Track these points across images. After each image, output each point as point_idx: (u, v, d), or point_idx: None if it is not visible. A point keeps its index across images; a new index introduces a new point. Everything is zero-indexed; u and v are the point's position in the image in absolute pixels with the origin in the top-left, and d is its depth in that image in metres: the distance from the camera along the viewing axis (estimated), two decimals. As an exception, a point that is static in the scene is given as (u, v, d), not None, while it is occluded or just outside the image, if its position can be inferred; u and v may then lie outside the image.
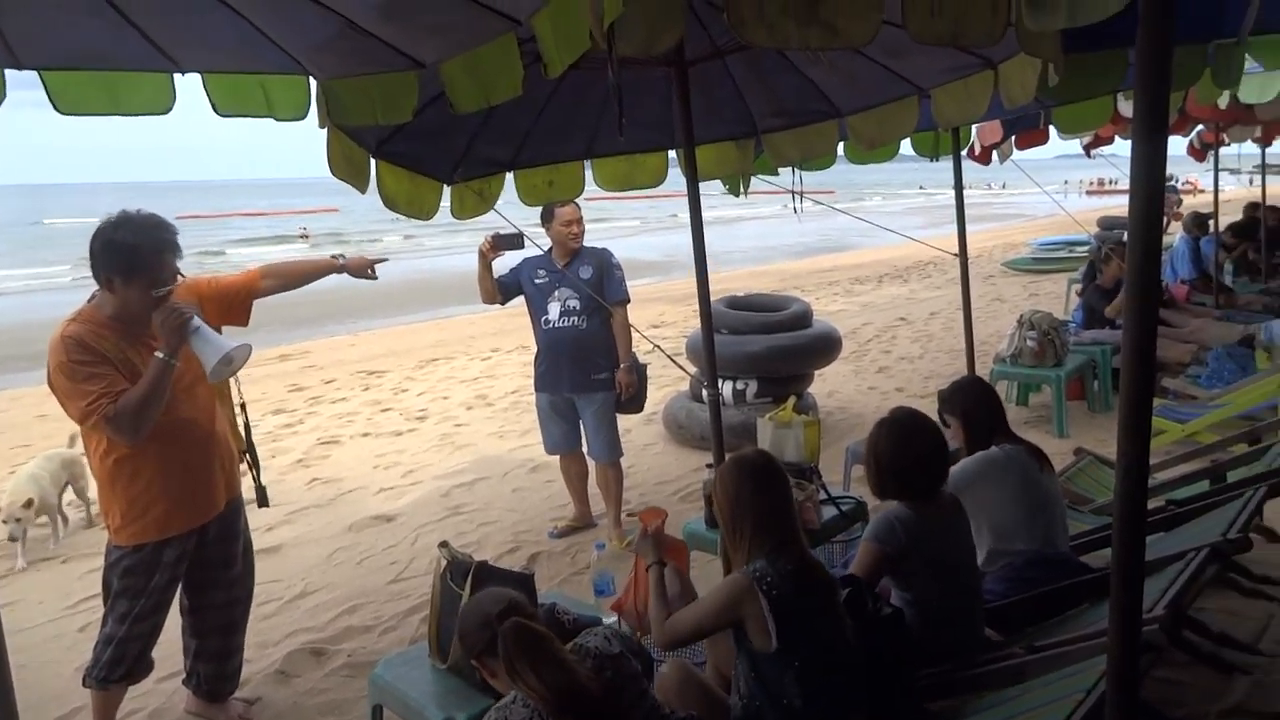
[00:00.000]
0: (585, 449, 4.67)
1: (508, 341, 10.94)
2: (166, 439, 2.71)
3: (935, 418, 2.76)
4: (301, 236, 37.46)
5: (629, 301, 4.50)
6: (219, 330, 2.80)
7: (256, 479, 3.29)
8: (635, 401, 4.56)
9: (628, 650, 1.99)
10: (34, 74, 2.43)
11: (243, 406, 3.17)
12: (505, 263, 4.48)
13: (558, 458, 4.79)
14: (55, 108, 2.52)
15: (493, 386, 8.64)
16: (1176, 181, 16.18)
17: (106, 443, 2.70)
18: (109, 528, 2.80)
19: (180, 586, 2.96)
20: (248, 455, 3.24)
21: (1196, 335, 6.71)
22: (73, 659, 3.53)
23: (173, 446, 2.75)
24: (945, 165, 4.88)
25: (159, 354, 2.57)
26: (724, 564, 3.11)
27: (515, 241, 4.12)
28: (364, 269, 3.28)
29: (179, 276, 2.76)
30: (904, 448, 2.50)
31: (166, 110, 2.68)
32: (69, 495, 5.32)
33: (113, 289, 2.65)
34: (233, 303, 3.06)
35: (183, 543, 2.83)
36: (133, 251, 2.61)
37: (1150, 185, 1.22)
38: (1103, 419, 6.08)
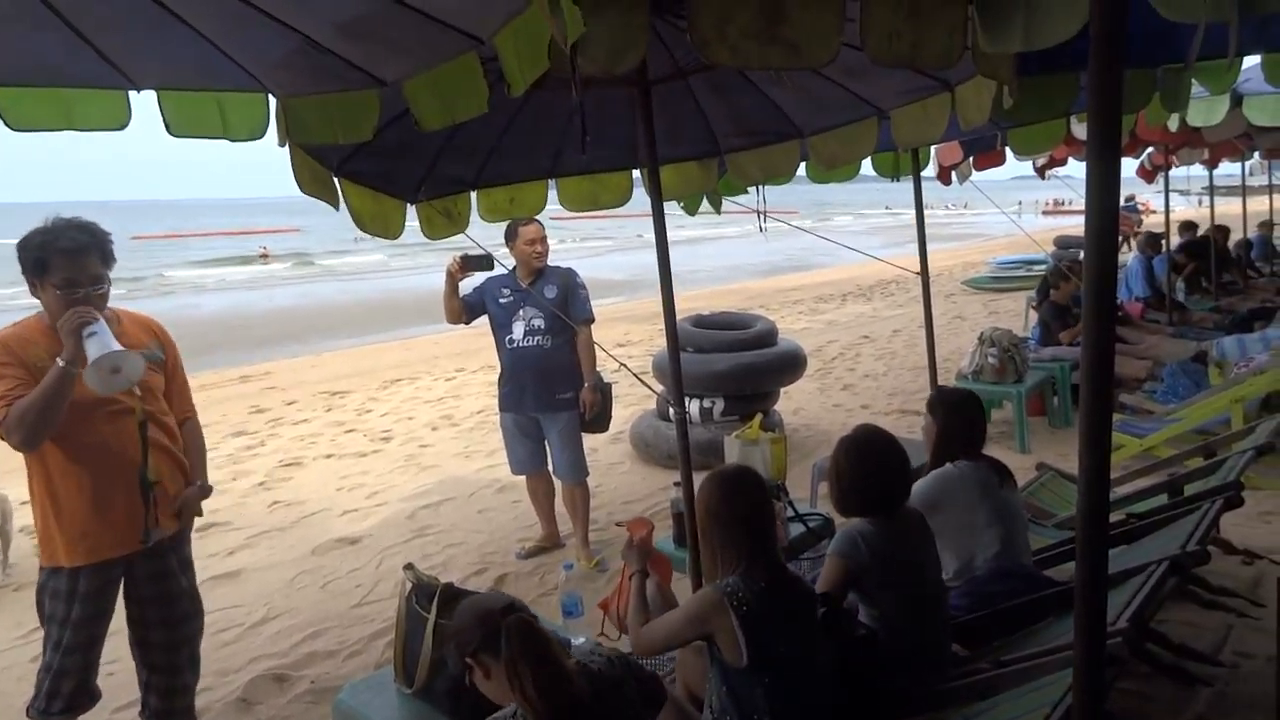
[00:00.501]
0: (551, 469, 4.64)
1: (473, 362, 10.87)
2: (83, 463, 2.60)
3: (900, 432, 2.78)
4: (262, 257, 36.99)
5: (594, 321, 4.50)
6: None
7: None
8: (600, 421, 4.55)
9: (634, 676, 1.96)
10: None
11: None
12: (470, 282, 4.46)
13: (524, 478, 4.76)
14: (5, 124, 2.46)
15: (458, 407, 8.57)
16: (1135, 202, 16.61)
17: (32, 459, 2.61)
18: (39, 546, 2.71)
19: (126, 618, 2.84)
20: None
21: (1152, 352, 6.87)
22: (24, 690, 3.41)
23: (88, 472, 2.61)
24: (910, 185, 4.95)
25: (59, 360, 2.44)
26: (693, 581, 3.10)
27: (484, 263, 4.12)
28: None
29: (103, 282, 2.61)
30: (865, 465, 2.52)
31: (122, 126, 2.63)
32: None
33: (35, 293, 2.58)
34: (170, 392, 2.90)
35: (101, 574, 2.66)
36: (40, 249, 2.53)
37: (1105, 206, 1.25)
38: (1063, 434, 6.18)
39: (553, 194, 4.02)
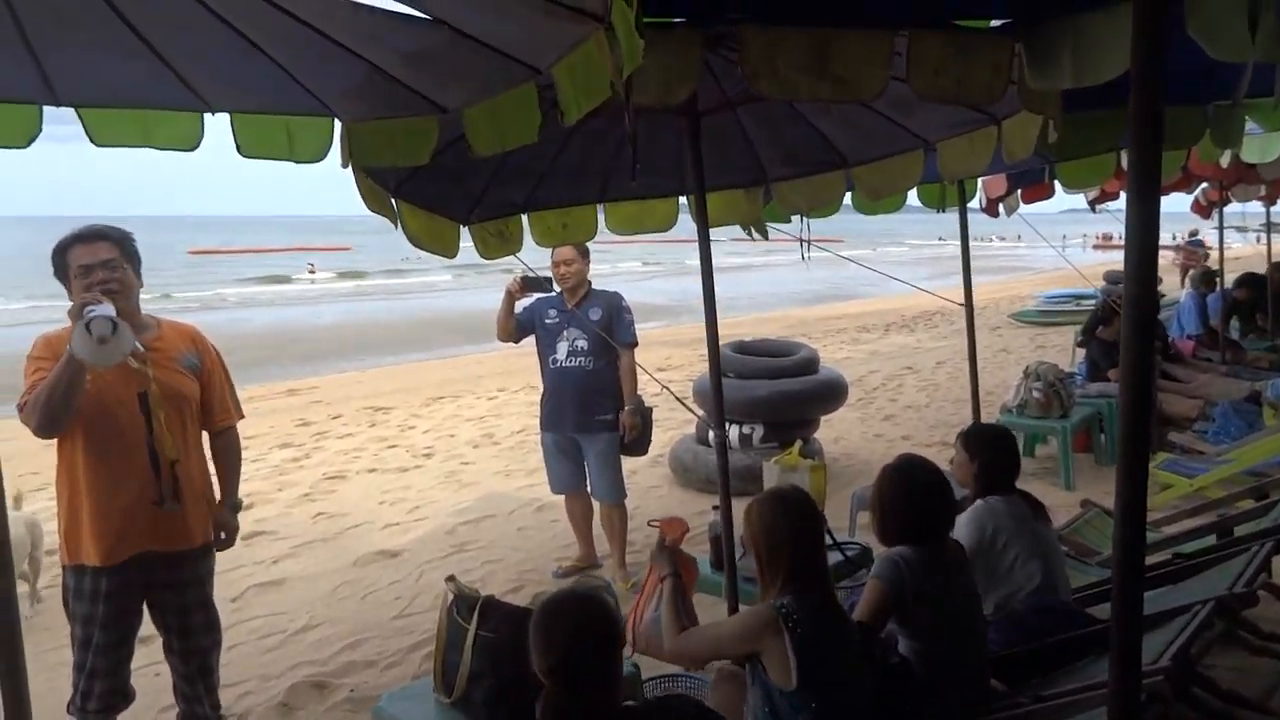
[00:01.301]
0: (590, 489, 4.69)
1: (514, 381, 10.99)
2: (100, 460, 2.65)
3: (943, 464, 2.78)
4: (309, 273, 37.83)
5: (637, 345, 4.55)
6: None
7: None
8: (640, 444, 4.59)
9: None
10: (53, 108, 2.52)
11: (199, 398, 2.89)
12: (522, 301, 4.57)
13: (563, 497, 4.81)
14: (91, 140, 2.61)
15: (499, 425, 8.67)
16: (1199, 237, 16.27)
17: (57, 456, 2.69)
18: (59, 545, 2.75)
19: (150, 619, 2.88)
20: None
21: (1203, 390, 6.72)
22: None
23: (102, 472, 2.65)
24: (976, 217, 4.95)
25: (69, 346, 2.45)
26: (729, 605, 3.12)
27: (543, 285, 4.29)
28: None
29: (118, 267, 2.66)
30: (911, 494, 2.52)
31: (194, 147, 2.76)
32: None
33: (71, 297, 2.65)
34: (209, 399, 2.95)
35: (123, 574, 2.69)
36: (59, 251, 2.66)
37: (1144, 242, 1.27)
38: (1109, 472, 6.03)
39: (600, 217, 4.11)
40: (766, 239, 4.74)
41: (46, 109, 2.53)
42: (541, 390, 4.69)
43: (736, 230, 4.61)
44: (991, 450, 3.01)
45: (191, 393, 2.86)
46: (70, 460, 2.67)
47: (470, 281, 31.09)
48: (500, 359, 12.51)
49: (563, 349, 4.50)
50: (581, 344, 4.47)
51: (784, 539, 2.17)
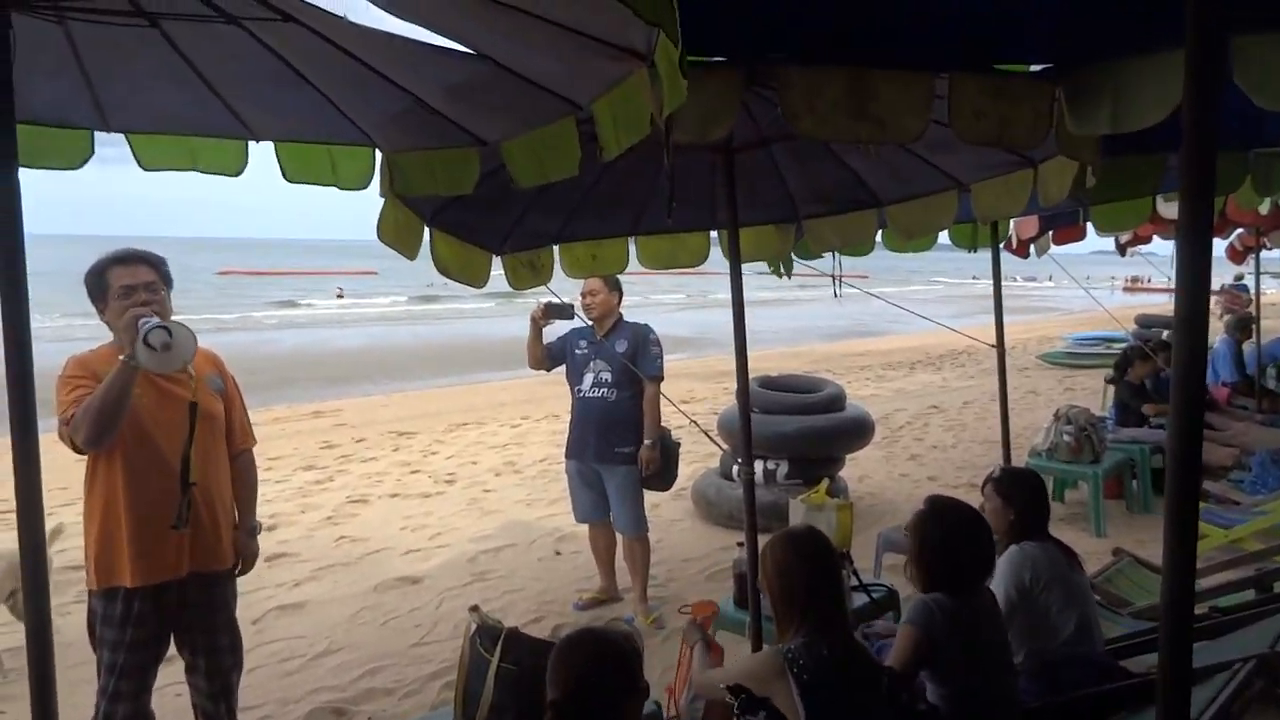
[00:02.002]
0: (612, 521, 4.66)
1: (538, 410, 11.01)
2: (138, 481, 2.66)
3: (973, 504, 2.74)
4: (337, 296, 38.29)
5: (662, 379, 4.54)
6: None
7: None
8: (663, 478, 4.56)
9: None
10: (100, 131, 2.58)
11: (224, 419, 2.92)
12: (556, 331, 4.60)
13: (586, 527, 4.79)
14: (139, 164, 2.68)
15: (521, 454, 8.67)
16: (1245, 282, 16.06)
17: (89, 477, 2.70)
18: (86, 570, 2.75)
19: (174, 641, 2.88)
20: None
21: (1239, 439, 6.60)
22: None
23: (143, 491, 2.67)
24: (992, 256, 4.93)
25: (121, 357, 2.50)
26: (753, 645, 3.08)
27: (565, 312, 4.31)
28: None
29: (158, 290, 2.70)
30: (954, 539, 2.48)
31: (238, 172, 2.82)
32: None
33: (103, 315, 2.68)
34: (230, 422, 2.97)
35: (156, 597, 2.71)
36: (98, 272, 2.68)
37: (1195, 289, 1.25)
38: (1142, 520, 5.95)
39: (632, 250, 4.13)
40: (790, 276, 4.75)
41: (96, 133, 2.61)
42: (568, 419, 4.69)
43: (761, 265, 4.63)
44: (1027, 495, 2.96)
45: (219, 414, 2.90)
46: (107, 481, 2.68)
47: (494, 309, 31.33)
48: (523, 387, 12.55)
49: (588, 379, 4.52)
50: (606, 375, 4.48)
51: (798, 580, 2.15)
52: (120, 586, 2.67)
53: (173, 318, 2.77)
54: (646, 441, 4.42)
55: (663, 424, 4.56)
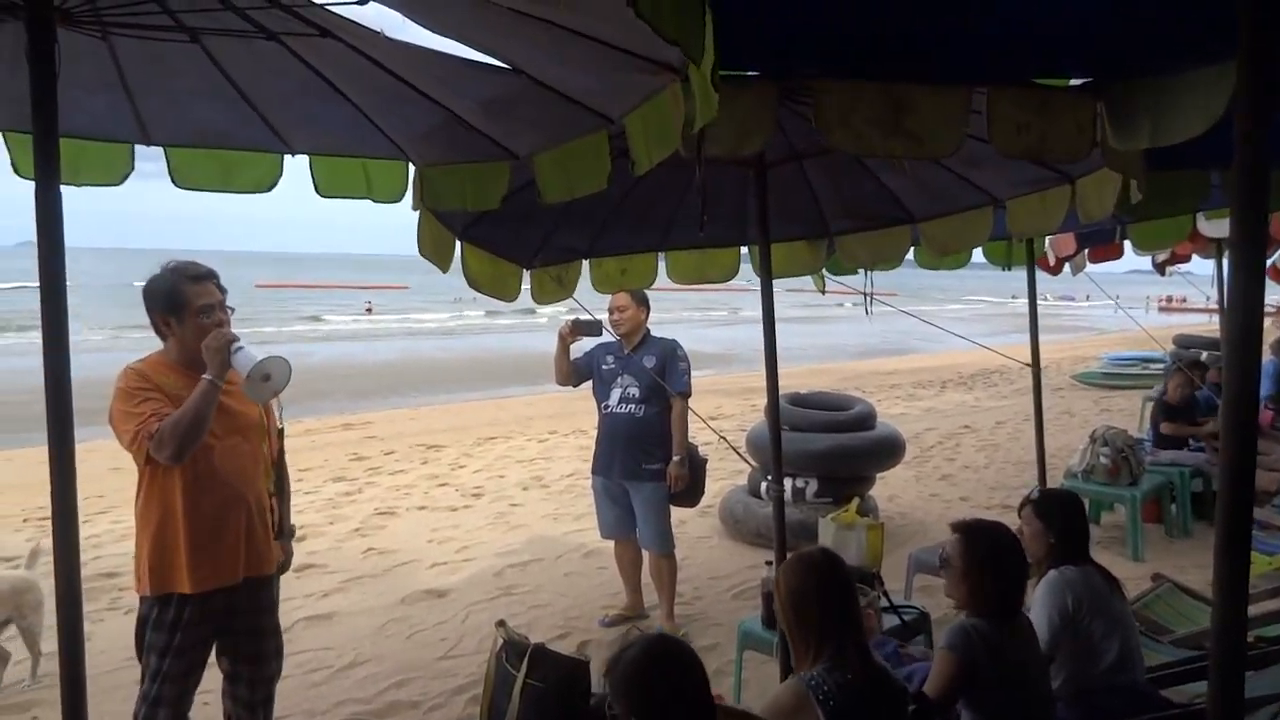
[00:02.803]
0: (638, 537, 4.63)
1: (565, 424, 11.01)
2: (197, 490, 2.70)
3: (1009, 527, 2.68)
4: (367, 311, 38.71)
5: (689, 394, 4.51)
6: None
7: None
8: (690, 495, 4.53)
9: None
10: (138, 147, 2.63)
11: (280, 433, 3.02)
12: (583, 346, 4.60)
13: (612, 544, 4.77)
14: (173, 182, 2.72)
15: (549, 468, 8.67)
16: None
17: (145, 485, 2.73)
18: (137, 576, 2.77)
19: (216, 650, 2.91)
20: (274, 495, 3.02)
21: (1284, 463, 6.43)
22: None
23: (202, 500, 2.71)
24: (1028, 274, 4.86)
25: (205, 376, 2.56)
26: (781, 667, 3.03)
27: (594, 328, 4.31)
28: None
29: (228, 307, 2.77)
30: (1003, 563, 2.43)
31: (270, 188, 2.86)
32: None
33: (169, 330, 2.72)
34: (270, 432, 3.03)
35: (205, 603, 2.74)
36: (172, 286, 2.70)
37: (1248, 310, 1.21)
38: (1182, 545, 5.81)
39: (661, 265, 4.12)
40: (824, 292, 4.71)
41: (137, 148, 2.65)
42: (595, 434, 4.68)
43: (790, 281, 4.60)
44: (1068, 517, 2.89)
45: (261, 422, 2.94)
46: (165, 488, 2.70)
47: (523, 323, 31.50)
48: (551, 401, 12.57)
49: (615, 395, 4.50)
50: (633, 391, 4.46)
51: (811, 603, 2.09)
52: (175, 593, 2.71)
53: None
54: (675, 458, 4.39)
55: (690, 440, 4.52)
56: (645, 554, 4.64)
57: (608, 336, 4.42)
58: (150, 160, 2.70)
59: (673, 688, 1.84)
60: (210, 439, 2.69)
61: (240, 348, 2.57)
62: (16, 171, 2.40)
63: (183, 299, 2.68)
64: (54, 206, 1.65)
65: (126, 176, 2.65)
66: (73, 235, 1.83)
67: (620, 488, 4.56)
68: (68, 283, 1.73)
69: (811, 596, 2.11)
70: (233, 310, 2.80)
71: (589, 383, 4.66)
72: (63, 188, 1.71)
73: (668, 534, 4.55)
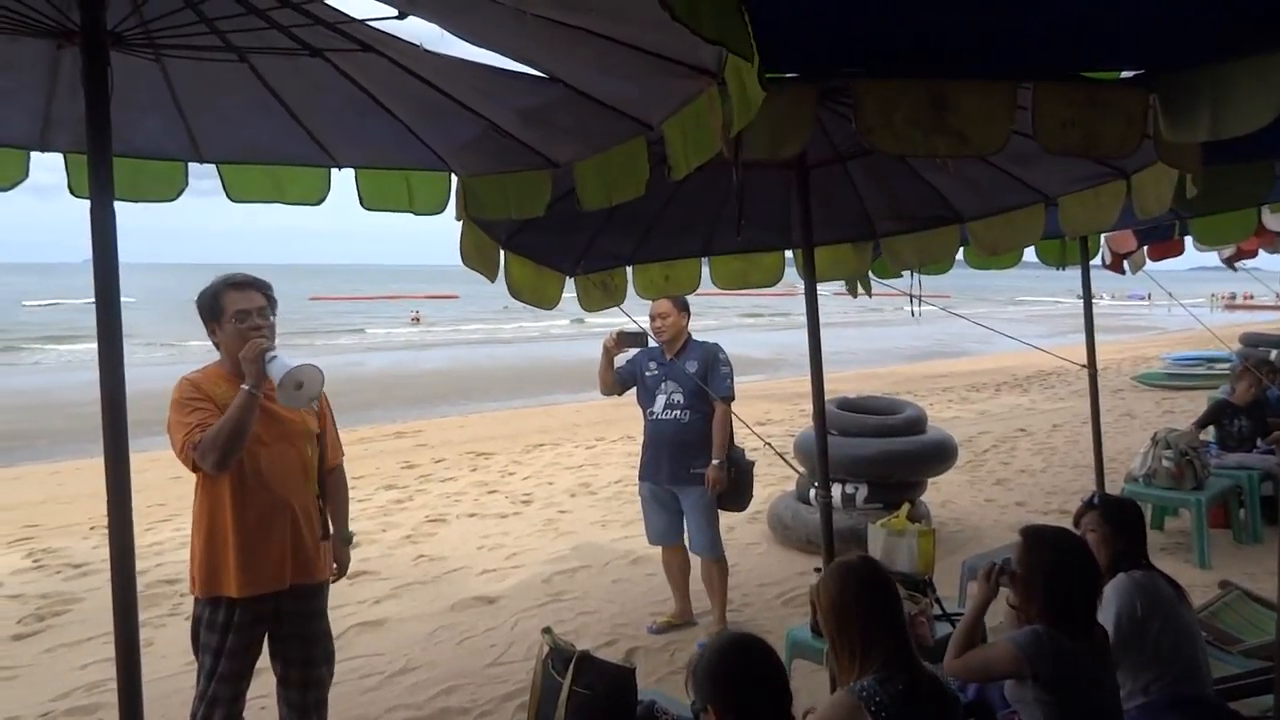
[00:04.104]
0: (687, 543, 4.62)
1: (612, 431, 11.03)
2: (244, 496, 2.75)
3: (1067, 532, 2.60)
4: (414, 320, 39.31)
5: (733, 399, 4.47)
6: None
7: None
8: (736, 498, 4.49)
9: None
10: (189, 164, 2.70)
11: (318, 437, 2.98)
12: (621, 355, 4.60)
13: (660, 550, 4.75)
14: (228, 196, 2.79)
15: (596, 475, 8.69)
16: None
17: (198, 491, 2.80)
18: (190, 577, 2.84)
19: (269, 654, 2.96)
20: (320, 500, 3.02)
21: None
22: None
23: (249, 505, 2.76)
24: (1091, 273, 4.74)
25: (243, 385, 2.61)
26: (830, 676, 2.97)
27: (639, 339, 4.33)
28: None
29: (268, 315, 2.80)
30: (1086, 570, 2.36)
31: (320, 201, 2.92)
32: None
33: (216, 336, 2.79)
34: (323, 439, 3.05)
35: (255, 607, 2.79)
36: (214, 293, 2.77)
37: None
38: (1251, 551, 5.59)
39: (705, 270, 4.10)
40: (870, 295, 4.65)
41: (191, 165, 2.73)
42: (642, 440, 4.68)
43: (838, 284, 4.55)
44: (1132, 523, 2.82)
45: (315, 431, 2.99)
46: (215, 494, 2.78)
47: (570, 330, 31.67)
48: (598, 409, 12.60)
49: (660, 402, 4.50)
50: (678, 397, 4.46)
51: (853, 613, 2.04)
52: (224, 596, 2.77)
53: (278, 343, 2.84)
54: (714, 461, 4.36)
55: (738, 444, 4.49)
56: (695, 560, 4.62)
57: (652, 344, 4.43)
58: (203, 177, 2.78)
59: (754, 676, 1.92)
60: (257, 446, 2.74)
61: (274, 356, 2.60)
62: (72, 191, 2.48)
63: (221, 304, 2.75)
64: (108, 224, 1.70)
65: (181, 192, 2.74)
66: (129, 251, 1.89)
67: (669, 493, 4.55)
68: (126, 298, 1.79)
69: (852, 605, 2.06)
70: (274, 318, 2.83)
71: (633, 390, 4.66)
72: (120, 205, 1.77)
73: (717, 539, 4.52)
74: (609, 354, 4.46)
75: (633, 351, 4.55)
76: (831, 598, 2.10)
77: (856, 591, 2.07)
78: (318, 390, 2.68)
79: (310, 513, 2.91)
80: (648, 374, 4.57)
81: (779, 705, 1.92)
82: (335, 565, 3.07)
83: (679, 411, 4.44)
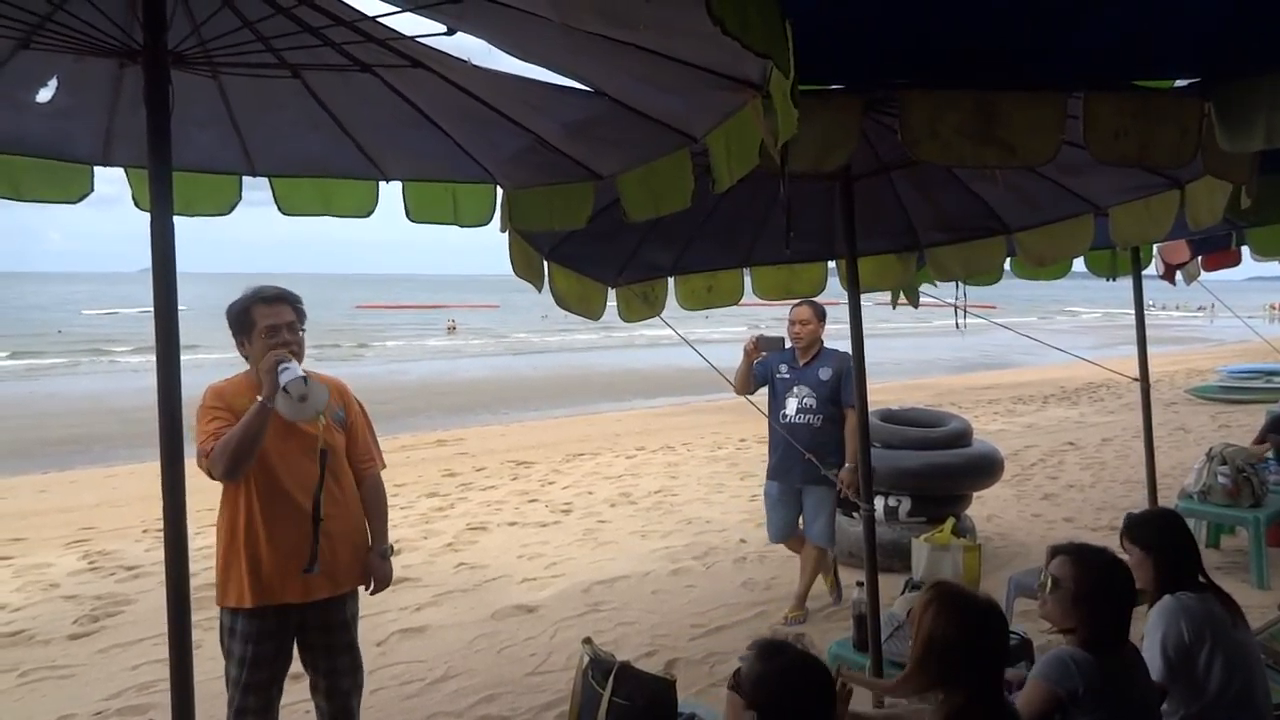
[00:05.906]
0: (802, 528, 4.89)
1: (653, 441, 11.03)
2: (262, 507, 2.77)
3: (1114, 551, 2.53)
4: (449, 329, 39.70)
5: None
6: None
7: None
8: (856, 504, 4.59)
9: None
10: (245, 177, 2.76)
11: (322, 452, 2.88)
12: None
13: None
14: (279, 209, 2.85)
15: (636, 485, 8.69)
16: None
17: (223, 500, 2.82)
18: (216, 586, 2.86)
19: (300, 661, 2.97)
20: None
21: None
22: None
23: (266, 516, 2.77)
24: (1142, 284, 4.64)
25: (259, 396, 2.62)
26: (873, 696, 2.94)
27: (776, 344, 4.65)
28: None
29: (297, 329, 2.81)
30: (1123, 591, 2.30)
31: (369, 213, 2.97)
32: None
33: (245, 348, 2.82)
34: (353, 449, 3.06)
35: (275, 617, 2.80)
36: (244, 306, 2.80)
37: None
38: (1312, 571, 5.40)
39: (747, 280, 4.10)
40: (916, 306, 4.61)
41: (245, 179, 2.80)
42: (768, 441, 4.95)
43: (881, 295, 4.51)
44: (1167, 538, 2.70)
45: (340, 445, 2.98)
46: (233, 507, 2.81)
47: (609, 340, 31.76)
48: (639, 418, 12.63)
49: (792, 405, 4.74)
50: (810, 401, 4.71)
51: (956, 651, 1.96)
52: (242, 607, 2.79)
53: (307, 361, 2.85)
54: (848, 465, 4.57)
55: None
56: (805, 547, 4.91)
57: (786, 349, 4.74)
58: (255, 189, 2.85)
59: (800, 709, 1.80)
60: (275, 457, 2.76)
61: (286, 368, 2.61)
62: (137, 205, 2.56)
63: (250, 320, 2.77)
64: (168, 236, 1.76)
65: (235, 205, 2.80)
66: (185, 261, 1.95)
67: (796, 492, 4.83)
68: (181, 307, 1.84)
69: (956, 643, 1.96)
70: (303, 331, 2.84)
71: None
72: (176, 219, 1.82)
73: (832, 531, 4.85)
74: (749, 357, 4.72)
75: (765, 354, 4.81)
76: (931, 628, 1.99)
77: (965, 629, 1.97)
78: (321, 405, 2.66)
79: (334, 528, 2.86)
80: (779, 377, 4.84)
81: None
82: (372, 579, 3.01)
83: (811, 416, 4.73)
